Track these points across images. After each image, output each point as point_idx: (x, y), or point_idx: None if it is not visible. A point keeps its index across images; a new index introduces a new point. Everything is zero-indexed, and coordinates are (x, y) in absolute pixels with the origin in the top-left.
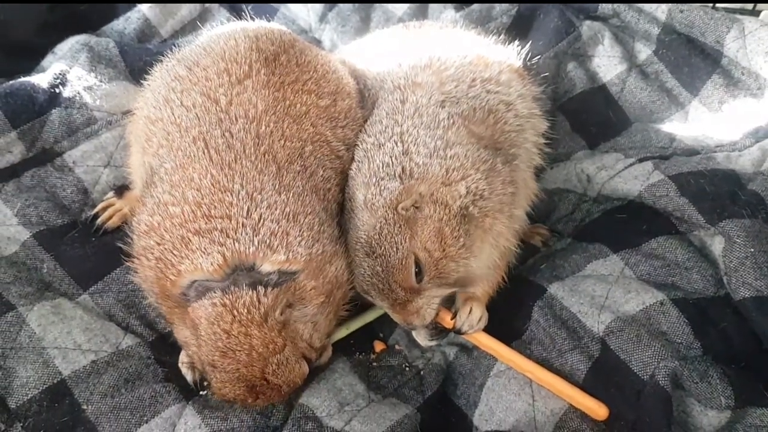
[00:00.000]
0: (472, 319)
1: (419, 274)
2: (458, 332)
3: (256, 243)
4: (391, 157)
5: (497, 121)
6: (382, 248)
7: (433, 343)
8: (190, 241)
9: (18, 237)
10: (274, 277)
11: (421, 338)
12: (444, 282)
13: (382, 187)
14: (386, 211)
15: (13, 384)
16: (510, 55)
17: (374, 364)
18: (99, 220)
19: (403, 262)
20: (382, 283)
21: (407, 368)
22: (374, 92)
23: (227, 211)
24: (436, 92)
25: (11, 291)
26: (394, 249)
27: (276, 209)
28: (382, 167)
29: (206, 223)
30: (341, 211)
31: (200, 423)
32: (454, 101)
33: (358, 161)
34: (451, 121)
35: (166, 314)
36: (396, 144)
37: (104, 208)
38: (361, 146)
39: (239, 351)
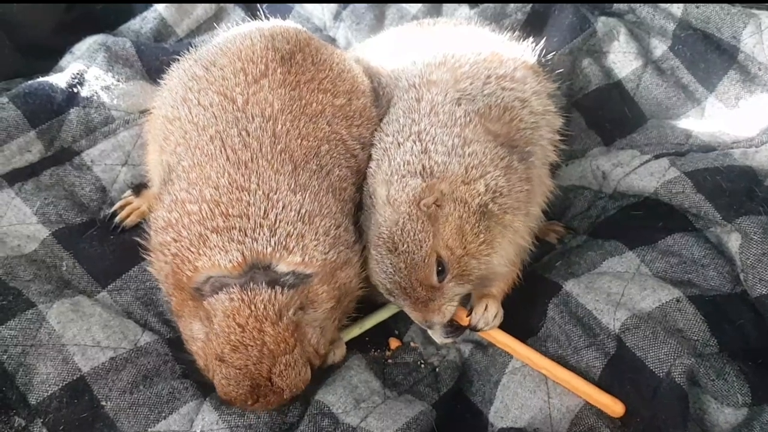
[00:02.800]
0: (487, 316)
1: (441, 272)
2: (474, 329)
3: (273, 244)
4: (410, 155)
5: (513, 119)
6: (405, 245)
7: (449, 340)
8: (208, 238)
9: (37, 235)
10: (290, 278)
11: (437, 336)
12: (465, 280)
13: (405, 184)
14: (409, 207)
15: (33, 381)
16: (525, 51)
17: (389, 361)
18: (117, 219)
19: (426, 260)
20: (404, 280)
21: (422, 365)
22: (389, 90)
23: (245, 210)
24: (452, 90)
25: (31, 289)
26: (418, 246)
27: (291, 210)
28: (403, 165)
29: (224, 221)
30: (357, 211)
31: (217, 419)
32: (470, 99)
33: (377, 159)
34: (468, 118)
35: (176, 306)
36: (414, 143)
37: (122, 207)
38: (379, 145)
39: (251, 346)
